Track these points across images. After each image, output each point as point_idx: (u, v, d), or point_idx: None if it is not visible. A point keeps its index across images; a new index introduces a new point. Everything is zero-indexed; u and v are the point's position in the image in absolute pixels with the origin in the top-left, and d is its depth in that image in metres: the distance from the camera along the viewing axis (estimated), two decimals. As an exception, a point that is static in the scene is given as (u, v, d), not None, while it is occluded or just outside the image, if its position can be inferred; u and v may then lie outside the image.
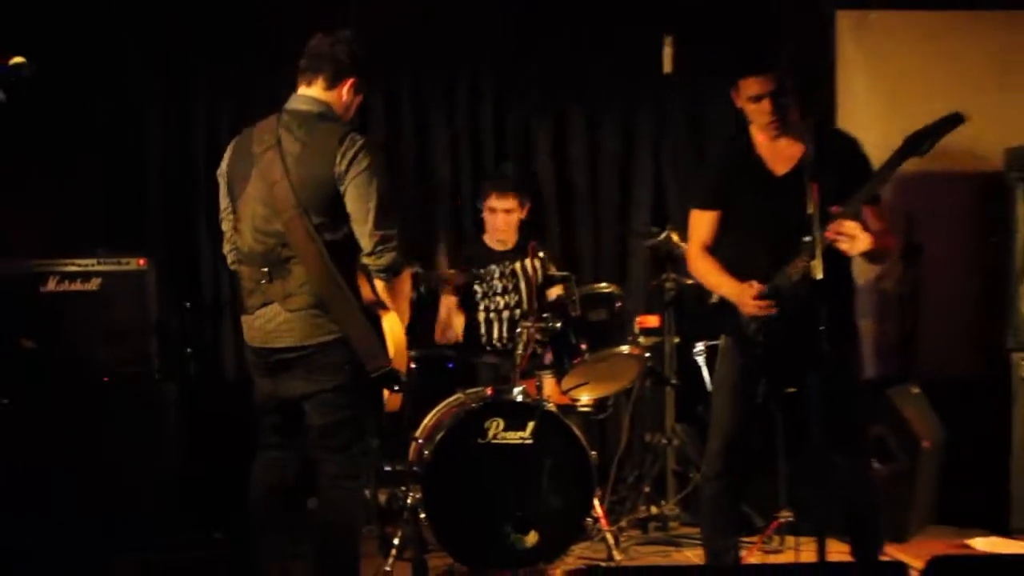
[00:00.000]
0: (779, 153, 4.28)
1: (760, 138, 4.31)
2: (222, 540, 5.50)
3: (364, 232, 3.95)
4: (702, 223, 4.46)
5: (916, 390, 5.99)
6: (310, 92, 4.13)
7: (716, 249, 4.47)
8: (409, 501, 5.24)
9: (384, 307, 4.19)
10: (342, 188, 3.93)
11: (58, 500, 5.07)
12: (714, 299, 4.60)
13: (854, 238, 3.97)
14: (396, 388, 4.16)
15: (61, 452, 5.15)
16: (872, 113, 6.54)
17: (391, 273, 4.05)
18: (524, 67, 6.72)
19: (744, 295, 4.18)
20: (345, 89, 4.14)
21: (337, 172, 3.92)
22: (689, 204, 4.62)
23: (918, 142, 4.00)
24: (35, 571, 4.70)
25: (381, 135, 6.56)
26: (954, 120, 4.02)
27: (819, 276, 3.77)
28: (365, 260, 4.01)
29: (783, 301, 4.11)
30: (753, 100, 4.17)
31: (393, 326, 4.21)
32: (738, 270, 4.29)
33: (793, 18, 6.58)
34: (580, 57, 6.70)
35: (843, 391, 4.18)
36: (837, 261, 4.04)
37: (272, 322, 4.05)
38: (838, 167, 4.13)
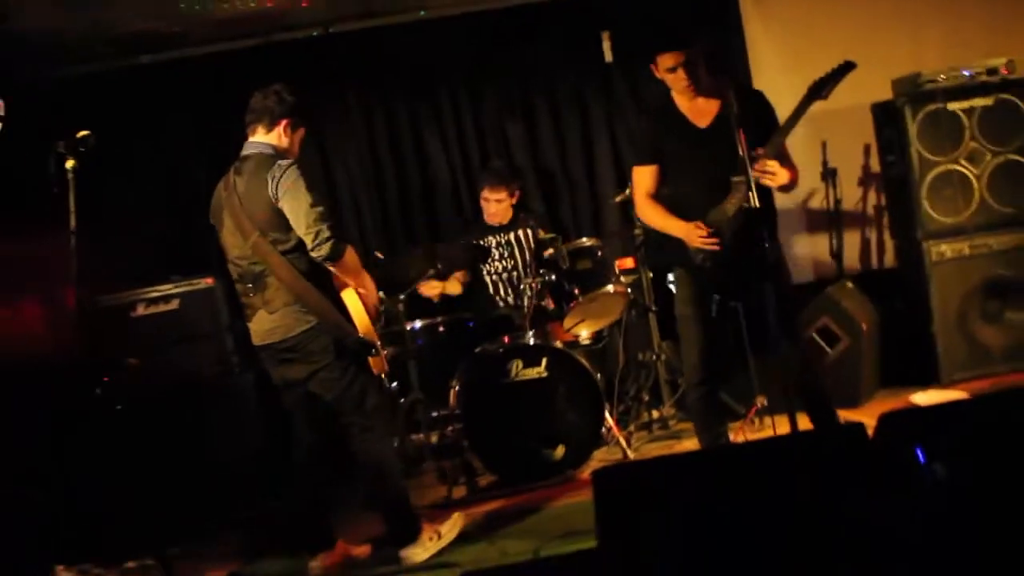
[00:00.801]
0: (698, 110, 4.36)
1: (680, 100, 4.41)
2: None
3: (303, 233, 4.10)
4: (643, 176, 4.50)
5: (850, 284, 6.05)
6: (255, 138, 4.33)
7: (659, 196, 4.51)
8: (456, 437, 5.48)
9: (345, 286, 4.33)
10: (280, 205, 4.12)
11: (166, 478, 5.11)
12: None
13: (775, 174, 4.10)
14: (373, 352, 4.31)
15: (166, 441, 5.24)
16: (778, 68, 6.55)
17: (331, 259, 4.14)
18: (492, 76, 6.79)
19: (692, 233, 4.27)
20: (281, 129, 4.31)
21: (272, 194, 4.12)
22: (631, 162, 4.69)
23: (819, 88, 4.12)
24: (151, 539, 4.69)
25: (385, 147, 6.74)
26: (847, 67, 4.12)
27: (757, 205, 3.93)
28: (311, 254, 4.13)
29: (722, 233, 4.22)
30: (670, 71, 4.28)
31: (353, 304, 4.32)
32: (680, 210, 4.38)
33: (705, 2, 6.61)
34: (537, 60, 6.74)
35: (783, 294, 4.26)
36: (763, 193, 4.13)
37: (263, 325, 4.26)
38: (753, 117, 4.21)
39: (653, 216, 4.51)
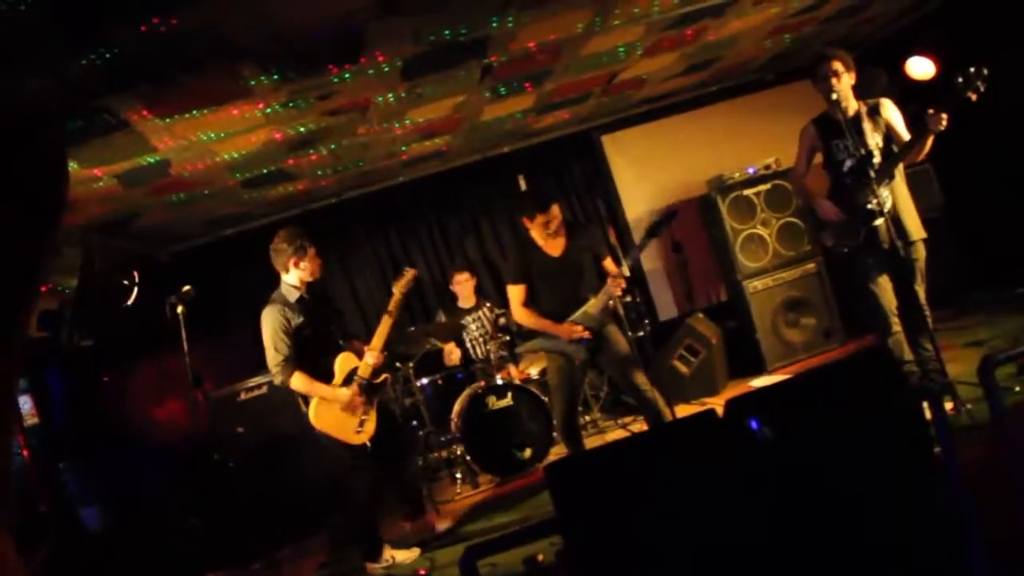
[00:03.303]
0: (552, 245, 4.15)
1: (539, 239, 4.16)
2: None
3: (268, 363, 3.96)
4: (518, 291, 4.21)
5: (700, 315, 6.12)
6: (283, 278, 4.07)
7: (530, 306, 4.22)
8: (459, 452, 5.42)
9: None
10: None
11: (269, 503, 5.06)
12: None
13: (621, 288, 4.01)
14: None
15: (269, 478, 5.14)
16: (634, 182, 6.63)
17: (282, 385, 3.94)
18: (451, 210, 6.81)
19: (567, 330, 4.09)
20: (293, 266, 4.00)
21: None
22: (508, 282, 4.32)
23: (655, 230, 3.94)
24: (263, 547, 4.70)
25: (387, 262, 6.67)
26: (672, 214, 3.99)
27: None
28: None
29: (591, 328, 4.10)
30: (544, 224, 4.06)
31: (339, 366, 4.06)
32: (549, 313, 4.16)
33: (577, 144, 6.67)
34: (479, 196, 6.78)
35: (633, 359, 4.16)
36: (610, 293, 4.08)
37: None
38: (589, 243, 4.21)
39: (530, 320, 4.20)
